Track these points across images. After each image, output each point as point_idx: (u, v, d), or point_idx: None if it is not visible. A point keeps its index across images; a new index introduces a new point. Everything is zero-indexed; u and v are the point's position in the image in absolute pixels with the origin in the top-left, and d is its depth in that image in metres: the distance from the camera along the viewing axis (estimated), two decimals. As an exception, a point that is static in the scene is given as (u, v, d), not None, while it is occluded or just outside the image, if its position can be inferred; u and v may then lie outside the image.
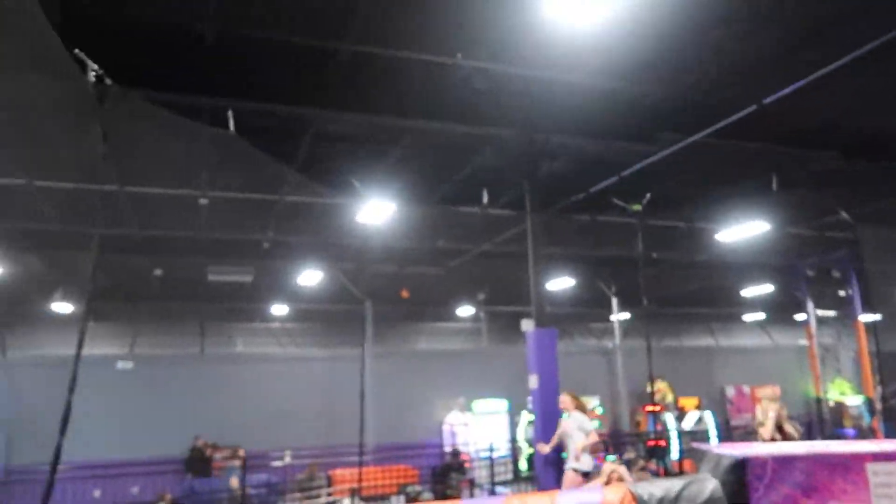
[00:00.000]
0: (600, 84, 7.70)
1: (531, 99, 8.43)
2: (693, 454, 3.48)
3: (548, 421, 8.88)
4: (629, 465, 12.98)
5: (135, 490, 14.10)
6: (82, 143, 6.91)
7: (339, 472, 13.30)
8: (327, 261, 14.52)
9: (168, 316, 19.46)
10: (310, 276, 15.23)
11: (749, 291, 20.33)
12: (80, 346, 5.39)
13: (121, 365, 16.75)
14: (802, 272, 17.84)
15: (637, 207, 10.35)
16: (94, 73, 5.34)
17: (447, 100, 8.09)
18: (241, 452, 13.64)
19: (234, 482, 12.57)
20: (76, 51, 5.23)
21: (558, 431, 8.65)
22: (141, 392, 16.60)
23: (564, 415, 8.68)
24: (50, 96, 6.26)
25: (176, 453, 15.16)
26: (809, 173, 11.06)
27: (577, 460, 8.12)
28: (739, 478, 2.97)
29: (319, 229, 12.58)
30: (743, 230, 12.33)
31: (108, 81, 5.43)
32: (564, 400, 8.69)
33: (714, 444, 3.56)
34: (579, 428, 8.30)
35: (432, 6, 6.58)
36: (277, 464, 13.71)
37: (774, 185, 11.11)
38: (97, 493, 14.20)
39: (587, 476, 8.18)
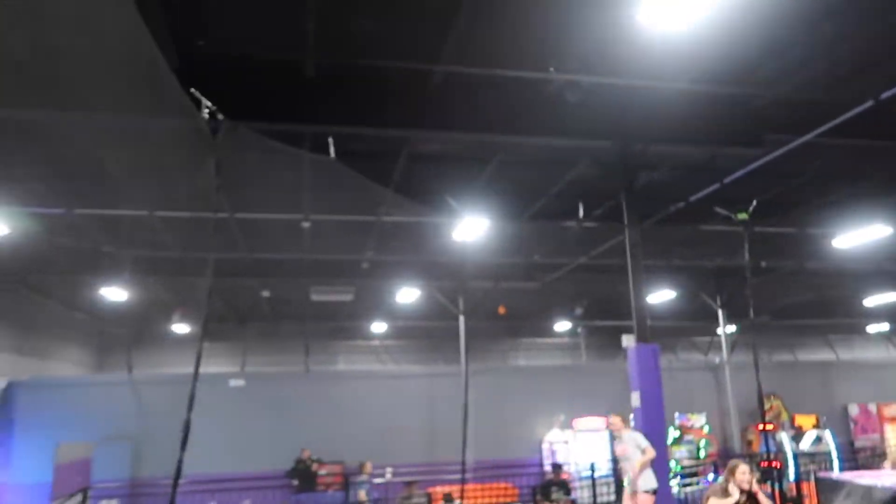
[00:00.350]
0: (700, 89, 7.44)
1: (627, 108, 8.25)
2: (822, 485, 3.03)
3: (651, 439, 8.55)
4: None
5: (246, 502, 14.69)
6: (198, 175, 7.40)
7: (438, 490, 13.32)
8: (424, 278, 14.73)
9: (275, 335, 20.38)
10: (407, 294, 15.50)
11: (872, 301, 18.90)
12: (197, 365, 5.69)
13: (233, 383, 17.61)
14: (933, 278, 16.39)
15: (743, 215, 9.86)
16: (207, 110, 5.71)
17: (541, 114, 8.05)
18: (369, 467, 13.90)
19: (363, 495, 12.86)
20: (192, 90, 5.63)
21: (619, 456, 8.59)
22: (251, 409, 17.37)
23: (616, 437, 8.55)
24: (169, 133, 6.75)
25: (283, 467, 15.72)
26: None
27: (641, 479, 7.93)
28: None
29: (416, 248, 12.80)
30: (862, 235, 11.50)
31: (220, 116, 5.78)
32: (615, 422, 8.57)
33: (856, 474, 3.09)
34: (636, 447, 8.11)
35: (522, 22, 6.59)
36: (379, 480, 13.93)
37: (897, 186, 10.34)
38: (213, 504, 14.89)
39: (656, 493, 8.01)
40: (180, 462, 5.09)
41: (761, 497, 5.78)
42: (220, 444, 15.96)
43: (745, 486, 5.80)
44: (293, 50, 6.46)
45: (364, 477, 13.26)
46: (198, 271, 11.73)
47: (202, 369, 5.78)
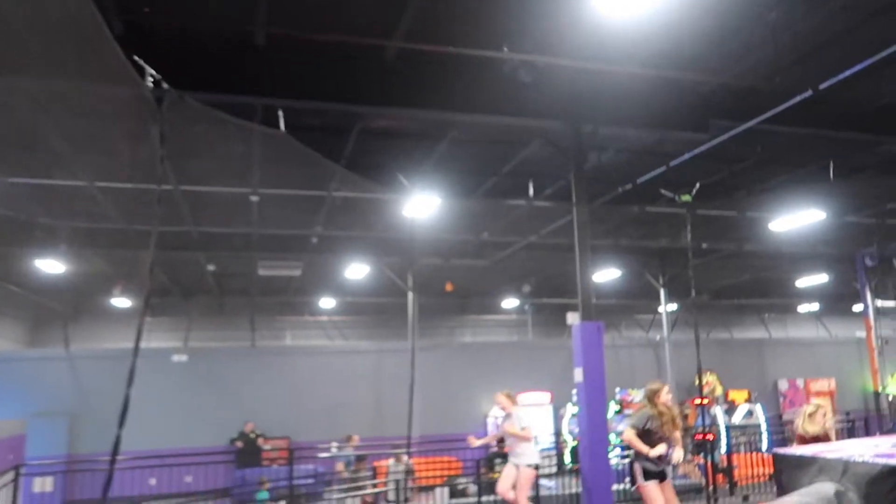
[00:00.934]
0: (651, 73, 7.58)
1: (579, 90, 8.35)
2: (783, 462, 2.94)
3: (593, 414, 8.80)
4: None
5: (188, 479, 14.47)
6: (142, 146, 7.15)
7: (385, 464, 13.44)
8: (374, 254, 14.68)
9: (221, 310, 20.01)
10: (357, 270, 15.42)
11: (804, 282, 19.79)
12: (137, 340, 5.57)
13: (175, 358, 17.28)
14: (861, 261, 17.25)
15: (686, 198, 10.17)
16: (151, 79, 5.51)
17: (494, 93, 8.06)
18: (356, 439, 13.85)
19: (341, 466, 12.84)
20: (135, 58, 5.41)
21: (500, 432, 8.70)
22: (194, 384, 17.11)
23: (506, 415, 8.56)
24: (112, 102, 6.50)
25: (225, 443, 15.61)
26: (870, 159, 10.69)
27: (524, 455, 8.17)
28: None
29: (366, 224, 12.73)
30: (797, 219, 12.00)
31: (165, 86, 5.59)
32: (502, 401, 8.60)
33: (823, 447, 2.91)
34: (521, 427, 8.29)
35: (478, 0, 6.58)
36: (324, 455, 13.93)
37: (832, 173, 10.78)
38: (153, 482, 14.63)
39: (538, 468, 8.37)
40: (118, 438, 4.99)
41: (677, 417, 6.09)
42: (162, 420, 15.69)
43: (670, 404, 6.14)
44: (244, 19, 6.28)
45: (349, 449, 13.28)
46: (140, 244, 11.40)
47: (144, 344, 5.65)
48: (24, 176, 8.79)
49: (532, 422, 8.58)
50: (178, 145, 7.44)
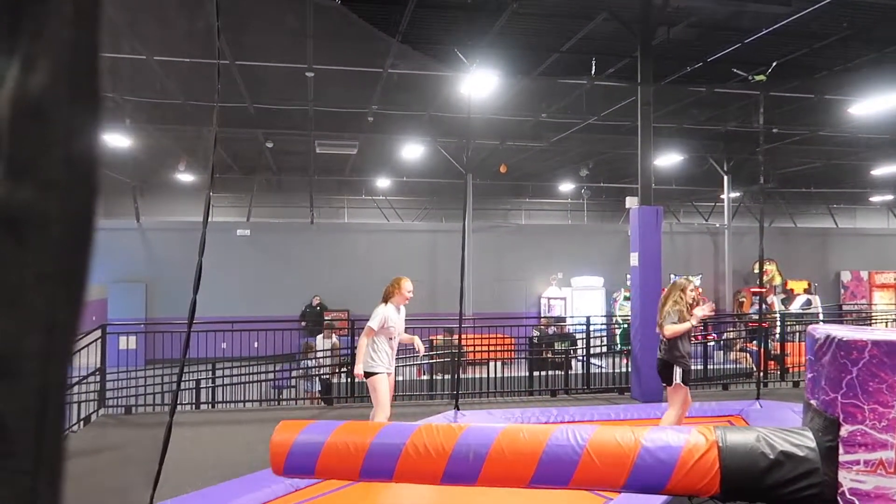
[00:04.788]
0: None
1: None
2: None
3: (647, 299, 8.85)
4: (729, 344, 12.92)
5: (255, 344, 15.47)
6: (197, 19, 7.07)
7: (438, 338, 14.00)
8: (429, 134, 14.54)
9: (280, 187, 20.49)
10: (412, 150, 15.38)
11: (879, 171, 18.75)
12: (207, 211, 5.74)
13: (239, 232, 18.02)
14: (945, 150, 16.16)
15: (761, 78, 9.53)
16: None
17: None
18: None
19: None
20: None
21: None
22: (258, 258, 17.90)
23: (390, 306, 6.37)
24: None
25: (287, 314, 16.48)
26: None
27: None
28: None
29: (422, 102, 12.53)
30: (881, 103, 11.19)
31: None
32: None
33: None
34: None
35: None
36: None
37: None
38: (224, 346, 15.70)
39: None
40: (194, 304, 5.30)
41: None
42: (228, 289, 16.61)
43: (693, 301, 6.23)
44: None
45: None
46: (199, 120, 11.57)
47: (210, 218, 5.86)
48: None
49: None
50: (233, 18, 7.34)
